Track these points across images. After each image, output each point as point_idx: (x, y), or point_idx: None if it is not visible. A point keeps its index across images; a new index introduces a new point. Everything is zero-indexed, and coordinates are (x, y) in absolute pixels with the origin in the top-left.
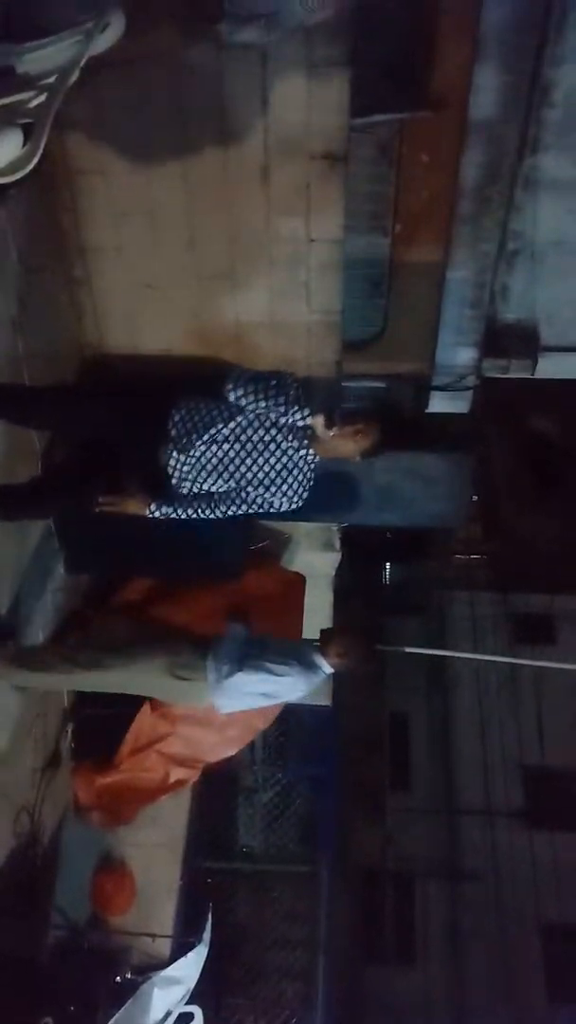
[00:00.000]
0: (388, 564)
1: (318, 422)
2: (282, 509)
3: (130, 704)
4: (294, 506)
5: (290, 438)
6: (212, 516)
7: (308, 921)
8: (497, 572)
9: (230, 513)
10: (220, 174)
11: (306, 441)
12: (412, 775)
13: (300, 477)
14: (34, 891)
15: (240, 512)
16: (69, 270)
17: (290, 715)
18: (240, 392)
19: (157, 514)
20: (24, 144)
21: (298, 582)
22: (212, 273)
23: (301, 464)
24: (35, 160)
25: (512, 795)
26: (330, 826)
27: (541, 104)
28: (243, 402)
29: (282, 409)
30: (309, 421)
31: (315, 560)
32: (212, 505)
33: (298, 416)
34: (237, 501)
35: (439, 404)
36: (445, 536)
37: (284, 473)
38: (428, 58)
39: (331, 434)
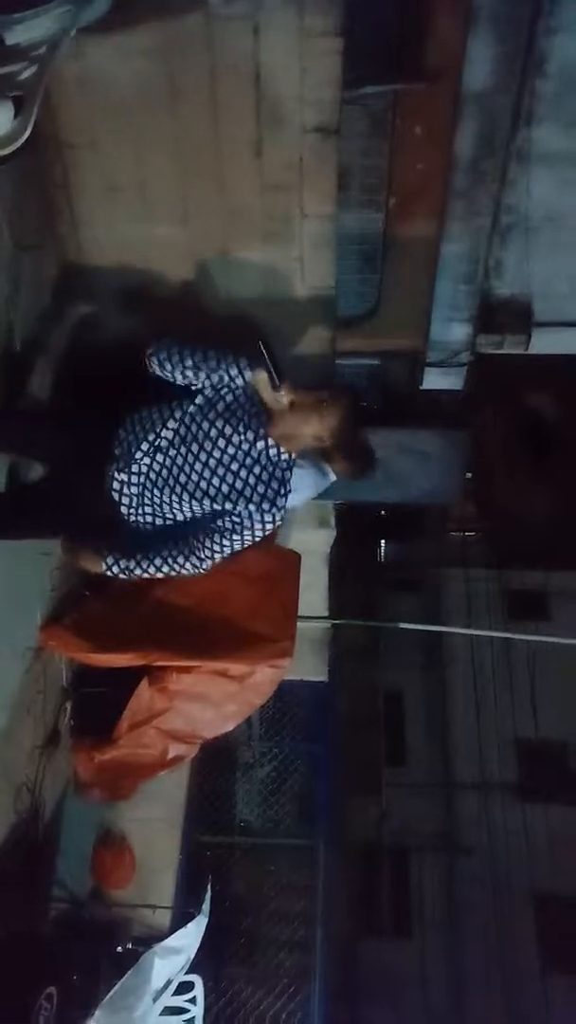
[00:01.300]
0: (383, 541)
1: (260, 379)
2: (255, 526)
3: (128, 681)
4: (269, 517)
5: (241, 429)
6: (181, 567)
7: (305, 894)
8: (491, 549)
9: (205, 558)
10: (212, 148)
11: (263, 431)
12: (407, 750)
13: (265, 476)
14: (36, 866)
15: (216, 551)
16: (61, 247)
17: (287, 691)
18: (163, 355)
19: (114, 570)
20: (15, 117)
21: (293, 560)
22: (205, 249)
23: (263, 460)
24: (26, 133)
25: (506, 769)
26: (326, 801)
27: (535, 75)
28: (160, 370)
29: (212, 364)
30: (248, 377)
31: (310, 537)
32: (181, 553)
33: (233, 372)
34: (210, 535)
35: (433, 380)
36: (440, 513)
37: (244, 472)
38: (422, 28)
39: (283, 401)
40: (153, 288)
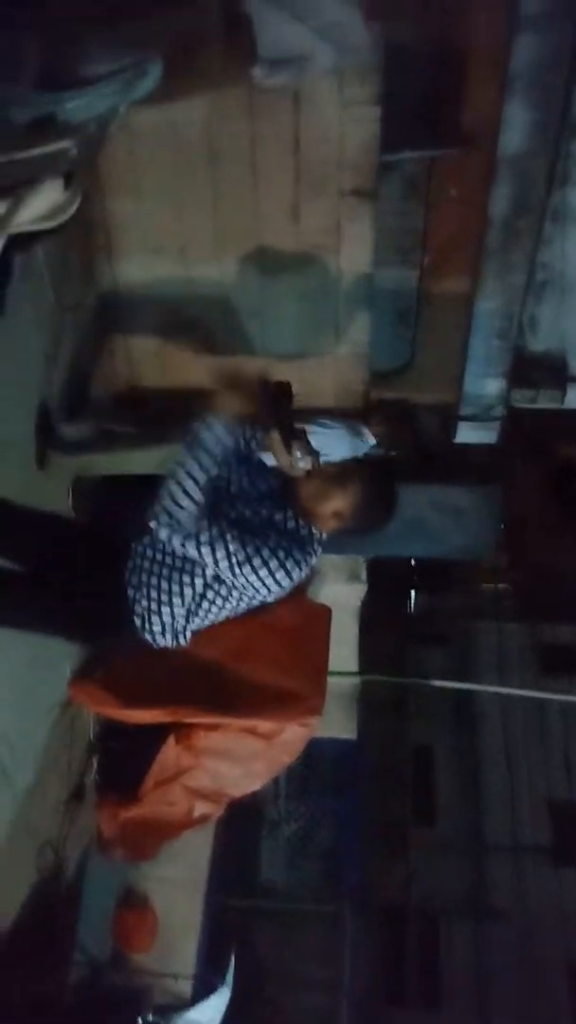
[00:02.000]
0: (413, 592)
1: (273, 439)
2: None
3: (155, 737)
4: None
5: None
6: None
7: (331, 960)
8: (522, 602)
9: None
10: (251, 211)
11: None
12: (437, 810)
13: (286, 542)
14: (57, 926)
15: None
16: (103, 307)
17: (314, 749)
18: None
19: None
20: (65, 190)
21: (324, 614)
22: (242, 307)
23: (280, 529)
24: (74, 206)
25: (539, 831)
26: (354, 861)
27: (570, 139)
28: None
29: (232, 428)
30: (260, 438)
31: (341, 591)
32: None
33: (248, 433)
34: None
35: (466, 435)
36: (470, 565)
37: (263, 535)
38: (458, 95)
39: (299, 466)
40: (190, 345)
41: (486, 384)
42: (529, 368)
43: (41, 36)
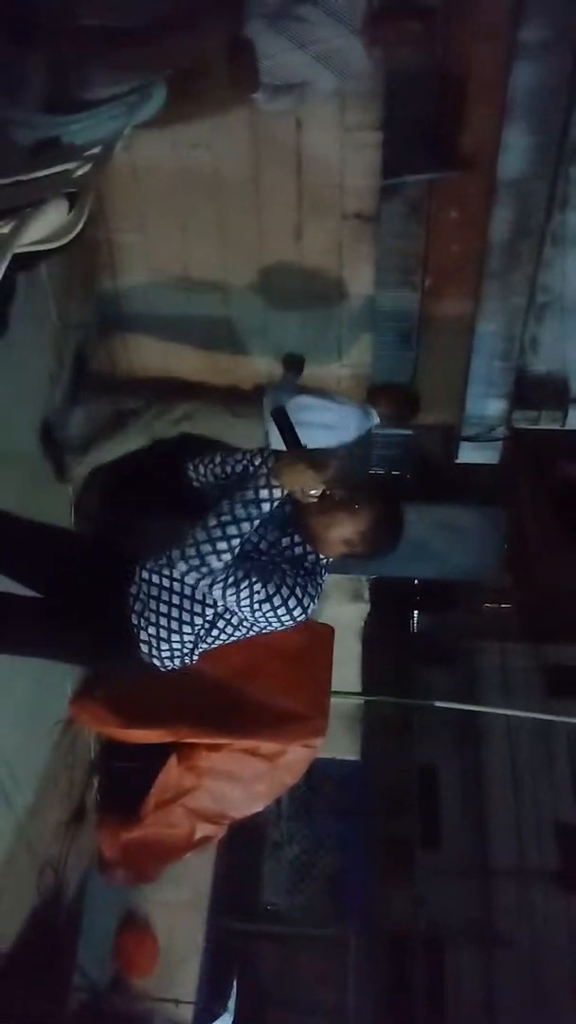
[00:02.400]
0: (416, 611)
1: (287, 465)
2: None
3: (157, 756)
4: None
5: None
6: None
7: (334, 987)
8: (526, 621)
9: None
10: (254, 233)
11: (289, 530)
12: (442, 832)
13: (292, 571)
14: (57, 949)
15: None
16: (106, 325)
17: (318, 770)
18: (196, 460)
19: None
20: (69, 212)
21: (326, 634)
22: (245, 328)
23: (287, 557)
24: (79, 227)
25: (546, 855)
26: (357, 884)
27: (570, 162)
28: (194, 473)
29: (237, 455)
30: (271, 464)
31: (344, 611)
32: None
33: (257, 460)
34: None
35: (468, 455)
36: (474, 585)
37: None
38: (458, 119)
39: (310, 493)
40: (192, 365)
41: (488, 405)
42: (530, 389)
43: (46, 59)
